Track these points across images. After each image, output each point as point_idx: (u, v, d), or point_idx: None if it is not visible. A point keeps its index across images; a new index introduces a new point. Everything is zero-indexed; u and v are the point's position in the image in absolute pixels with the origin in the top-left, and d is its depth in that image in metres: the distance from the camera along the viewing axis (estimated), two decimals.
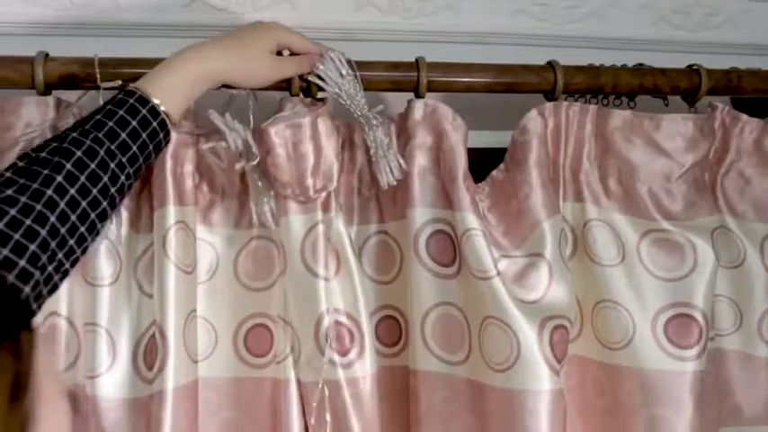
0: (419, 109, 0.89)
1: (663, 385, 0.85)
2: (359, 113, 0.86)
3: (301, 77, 0.86)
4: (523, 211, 0.88)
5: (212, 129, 0.85)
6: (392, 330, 0.93)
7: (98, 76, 0.83)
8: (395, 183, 0.87)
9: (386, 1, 1.02)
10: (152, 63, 0.84)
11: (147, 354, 0.83)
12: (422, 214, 0.88)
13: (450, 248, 0.88)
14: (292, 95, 0.87)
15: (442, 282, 0.87)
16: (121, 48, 0.87)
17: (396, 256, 0.93)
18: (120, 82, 0.83)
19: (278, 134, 0.83)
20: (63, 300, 0.84)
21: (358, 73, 0.86)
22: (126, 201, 0.86)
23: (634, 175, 0.91)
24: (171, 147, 0.83)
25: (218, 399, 0.89)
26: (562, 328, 0.84)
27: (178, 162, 0.84)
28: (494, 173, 0.93)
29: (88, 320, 0.82)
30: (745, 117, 0.96)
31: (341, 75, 0.85)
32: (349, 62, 0.86)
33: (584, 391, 0.91)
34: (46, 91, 0.83)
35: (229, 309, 0.90)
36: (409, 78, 0.89)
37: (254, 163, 0.82)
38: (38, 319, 0.81)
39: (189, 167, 0.85)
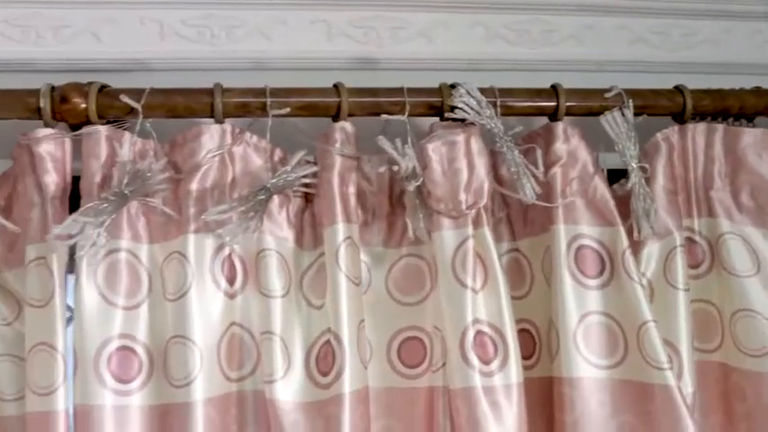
0: (560, 133, 0.95)
1: None
2: (500, 136, 0.92)
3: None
4: None
5: (375, 152, 0.92)
6: (526, 343, 0.98)
7: (269, 104, 0.90)
8: (535, 199, 0.92)
9: (513, 33, 1.09)
10: (321, 92, 0.92)
11: (321, 360, 0.89)
12: (568, 230, 0.93)
13: (597, 261, 0.93)
14: (442, 120, 0.94)
15: (590, 292, 0.93)
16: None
17: (526, 272, 0.99)
18: (288, 109, 0.90)
19: (435, 151, 0.90)
20: (238, 311, 0.90)
21: (488, 100, 0.92)
22: (292, 219, 0.93)
23: (767, 190, 0.97)
24: (338, 168, 0.90)
25: (375, 408, 0.93)
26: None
27: (344, 183, 0.91)
28: (615, 186, 0.99)
29: (265, 329, 0.88)
30: None
31: (478, 103, 0.92)
32: (482, 90, 0.93)
33: (727, 397, 0.95)
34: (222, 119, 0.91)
35: (382, 322, 0.95)
36: (549, 105, 0.96)
37: (419, 183, 0.89)
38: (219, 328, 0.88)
39: (352, 189, 0.92)
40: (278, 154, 0.93)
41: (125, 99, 0.87)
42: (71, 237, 0.83)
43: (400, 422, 0.94)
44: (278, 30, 1.05)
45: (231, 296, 0.89)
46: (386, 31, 1.07)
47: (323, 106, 0.91)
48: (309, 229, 0.94)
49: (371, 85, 0.94)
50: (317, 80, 0.93)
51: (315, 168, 0.91)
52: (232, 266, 0.90)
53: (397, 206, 0.98)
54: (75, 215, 0.82)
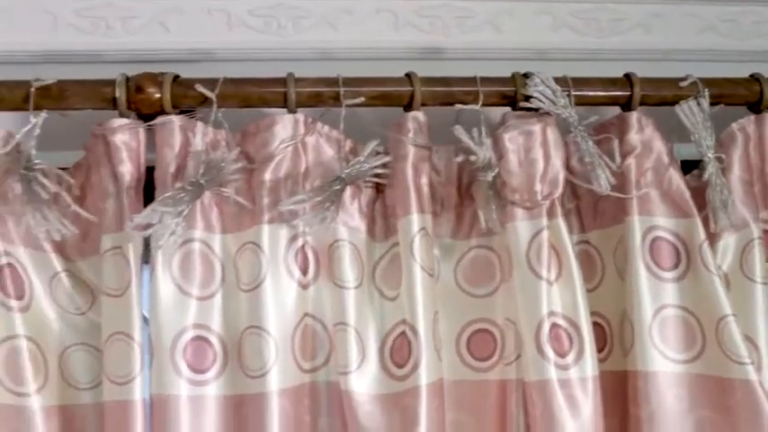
0: (634, 123, 0.94)
1: None
2: (575, 126, 0.91)
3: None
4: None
5: (443, 143, 0.91)
6: (597, 336, 0.96)
7: (342, 94, 0.89)
8: (610, 190, 0.91)
9: (581, 22, 1.07)
10: (394, 82, 0.91)
11: (395, 352, 0.88)
12: (642, 221, 0.92)
13: (673, 253, 0.92)
14: (514, 110, 0.93)
15: (666, 285, 0.92)
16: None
17: (596, 264, 0.97)
18: (362, 99, 0.90)
19: (511, 140, 0.89)
20: (310, 301, 0.90)
21: (562, 90, 0.91)
22: (364, 210, 0.92)
23: None
24: (411, 158, 0.89)
25: (446, 401, 0.92)
26: None
27: (417, 173, 0.90)
28: (687, 177, 0.97)
29: (338, 320, 0.88)
30: None
31: (553, 92, 0.91)
32: (555, 79, 0.91)
33: None
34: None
35: (451, 314, 0.95)
36: (623, 94, 0.94)
37: (495, 173, 0.88)
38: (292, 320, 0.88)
39: (425, 179, 0.91)
40: (348, 144, 0.93)
41: (200, 89, 0.87)
42: (148, 226, 0.83)
43: (471, 416, 0.93)
44: (344, 20, 1.04)
45: (304, 287, 0.89)
46: (452, 20, 1.06)
47: (396, 96, 0.91)
48: (381, 220, 0.93)
49: (438, 74, 0.93)
50: (384, 70, 0.93)
51: (387, 158, 0.91)
52: (305, 257, 0.89)
53: (465, 197, 0.97)
54: (153, 204, 0.82)
